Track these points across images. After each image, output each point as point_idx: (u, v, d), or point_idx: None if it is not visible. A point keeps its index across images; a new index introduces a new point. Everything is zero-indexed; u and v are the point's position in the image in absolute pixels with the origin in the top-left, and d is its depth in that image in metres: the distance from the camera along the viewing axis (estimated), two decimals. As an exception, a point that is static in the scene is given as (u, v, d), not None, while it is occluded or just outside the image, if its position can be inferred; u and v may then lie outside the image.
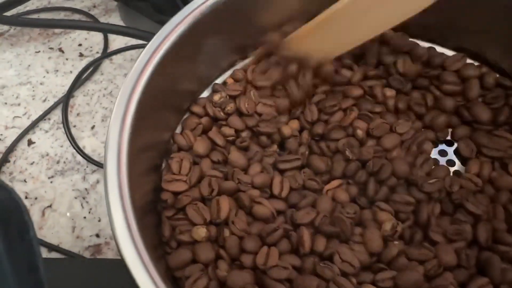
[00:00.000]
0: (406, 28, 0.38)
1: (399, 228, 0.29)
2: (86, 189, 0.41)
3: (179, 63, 0.33)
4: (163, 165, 0.34)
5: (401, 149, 0.34)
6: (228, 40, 0.36)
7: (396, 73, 0.37)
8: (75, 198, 0.40)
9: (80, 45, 0.50)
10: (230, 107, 0.35)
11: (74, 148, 0.42)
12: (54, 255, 0.38)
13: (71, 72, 0.48)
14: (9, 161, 0.43)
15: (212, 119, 0.35)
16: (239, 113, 0.35)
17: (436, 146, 0.35)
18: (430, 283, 0.28)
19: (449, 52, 0.38)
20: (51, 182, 0.41)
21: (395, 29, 0.38)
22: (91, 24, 0.50)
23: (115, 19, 0.52)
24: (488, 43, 0.37)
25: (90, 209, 0.40)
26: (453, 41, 0.38)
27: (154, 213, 0.32)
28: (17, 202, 0.19)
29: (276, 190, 0.31)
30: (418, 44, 0.38)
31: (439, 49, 0.38)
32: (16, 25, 0.51)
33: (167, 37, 0.31)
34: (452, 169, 0.35)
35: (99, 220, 0.39)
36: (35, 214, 0.40)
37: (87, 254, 0.38)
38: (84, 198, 0.40)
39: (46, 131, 0.44)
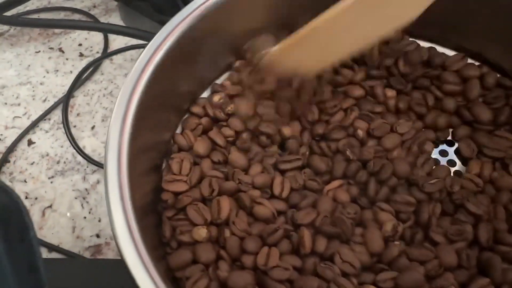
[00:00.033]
0: (407, 28, 0.38)
1: (400, 228, 0.29)
2: (86, 189, 0.41)
3: (180, 63, 0.33)
4: (164, 165, 0.34)
5: (402, 149, 0.34)
6: (229, 40, 0.36)
7: (396, 73, 0.37)
8: (75, 198, 0.40)
9: (80, 45, 0.50)
10: (230, 107, 0.35)
11: (74, 148, 0.42)
12: (54, 255, 0.38)
13: (71, 72, 0.48)
14: (9, 161, 0.43)
15: (212, 119, 0.35)
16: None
17: (436, 146, 0.35)
18: (431, 283, 0.28)
19: (450, 52, 0.38)
20: (51, 182, 0.41)
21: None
22: (91, 24, 0.50)
23: (115, 19, 0.52)
24: (489, 43, 0.37)
25: (90, 209, 0.40)
26: (454, 41, 0.38)
27: (154, 213, 0.32)
28: (17, 203, 0.19)
29: (276, 191, 0.31)
30: (418, 44, 0.38)
31: (439, 49, 0.38)
32: (16, 25, 0.51)
33: (168, 37, 0.31)
34: (452, 169, 0.34)
35: (99, 220, 0.39)
36: (35, 214, 0.40)
37: (87, 254, 0.38)
38: (84, 198, 0.40)
39: (46, 131, 0.44)
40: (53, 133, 0.44)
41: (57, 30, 0.51)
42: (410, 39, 0.38)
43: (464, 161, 0.35)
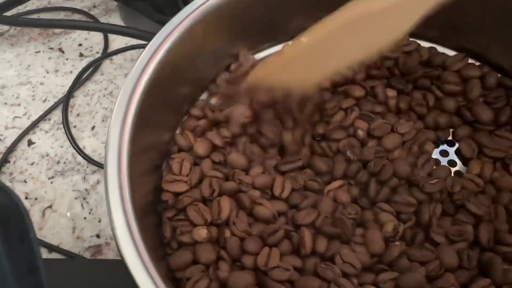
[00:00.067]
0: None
1: (401, 229, 0.29)
2: (86, 189, 0.41)
3: (180, 63, 0.33)
4: (164, 165, 0.34)
5: (402, 149, 0.34)
6: (229, 40, 0.36)
7: (397, 73, 0.37)
8: (76, 198, 0.40)
9: (80, 45, 0.50)
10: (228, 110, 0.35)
11: (74, 149, 0.42)
12: (54, 255, 0.38)
13: (71, 72, 0.48)
14: (9, 162, 0.43)
15: (212, 120, 0.35)
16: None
17: (437, 146, 0.35)
18: (432, 284, 0.28)
19: (450, 52, 0.38)
20: (51, 182, 0.41)
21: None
22: (91, 24, 0.50)
23: (115, 19, 0.52)
24: (490, 43, 0.37)
25: (91, 209, 0.40)
26: (454, 41, 0.38)
27: (154, 213, 0.32)
28: (17, 204, 0.19)
29: (277, 191, 0.31)
30: (419, 44, 0.38)
31: (440, 49, 0.38)
32: (16, 25, 0.51)
33: (168, 37, 0.31)
34: (453, 169, 0.34)
35: (100, 221, 0.39)
36: (35, 215, 0.40)
37: (87, 255, 0.38)
38: (84, 198, 0.40)
39: (46, 132, 0.44)
40: (53, 133, 0.44)
41: (57, 30, 0.51)
42: (411, 39, 0.38)
43: (465, 161, 0.34)
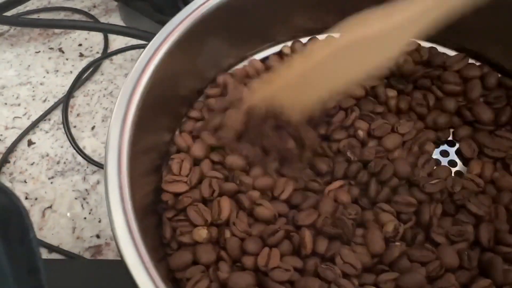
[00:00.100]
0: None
1: (401, 229, 0.29)
2: (86, 189, 0.41)
3: (180, 63, 0.33)
4: (164, 166, 0.34)
5: (403, 149, 0.34)
6: (229, 40, 0.36)
7: (397, 73, 0.37)
8: (76, 198, 0.40)
9: (80, 45, 0.50)
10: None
11: (74, 149, 0.42)
12: (54, 256, 0.38)
13: (71, 72, 0.48)
14: (9, 162, 0.43)
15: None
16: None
17: (437, 146, 0.35)
18: (432, 284, 0.28)
19: (451, 52, 0.38)
20: (51, 182, 0.41)
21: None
22: (91, 24, 0.50)
23: (115, 19, 0.52)
24: (490, 43, 0.37)
25: (91, 209, 0.40)
26: (455, 41, 0.38)
27: (155, 214, 0.32)
28: (17, 205, 0.19)
29: (277, 192, 0.31)
30: (419, 44, 0.38)
31: (440, 49, 0.38)
32: (16, 25, 0.51)
33: (168, 37, 0.31)
34: (453, 169, 0.34)
35: (100, 221, 0.39)
36: (35, 215, 0.40)
37: (87, 255, 0.38)
38: (84, 198, 0.40)
39: (46, 132, 0.44)
40: (53, 133, 0.44)
41: (57, 30, 0.51)
42: (411, 39, 0.38)
43: (465, 161, 0.34)
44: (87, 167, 0.42)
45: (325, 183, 0.32)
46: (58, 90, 0.47)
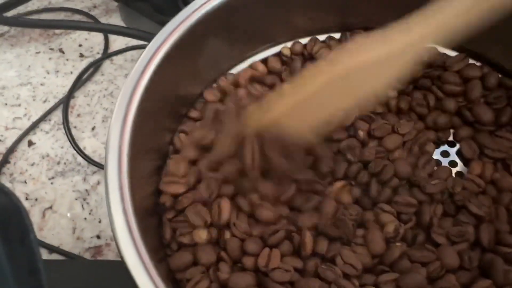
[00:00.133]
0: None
1: (402, 230, 0.29)
2: (86, 190, 0.41)
3: (180, 64, 0.33)
4: (164, 166, 0.34)
5: (403, 150, 0.34)
6: (229, 41, 0.36)
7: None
8: (76, 199, 0.40)
9: (80, 45, 0.50)
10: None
11: (75, 149, 0.42)
12: (55, 256, 0.38)
13: (71, 72, 0.48)
14: (9, 162, 0.43)
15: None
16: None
17: (438, 147, 0.35)
18: (433, 285, 0.28)
19: (451, 52, 0.38)
20: (52, 183, 0.41)
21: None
22: (92, 24, 0.50)
23: (116, 20, 0.52)
24: (490, 43, 0.37)
25: (91, 210, 0.40)
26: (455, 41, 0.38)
27: (155, 214, 0.31)
28: (17, 205, 0.19)
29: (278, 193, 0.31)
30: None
31: (440, 49, 0.38)
32: (16, 26, 0.51)
33: (168, 38, 0.31)
34: (454, 170, 0.34)
35: (100, 222, 0.39)
36: (35, 215, 0.40)
37: (87, 256, 0.38)
38: (84, 199, 0.40)
39: (47, 132, 0.44)
40: (54, 134, 0.44)
41: (57, 31, 0.51)
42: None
43: (466, 162, 0.34)
44: (88, 168, 0.42)
45: (326, 184, 0.32)
46: (59, 90, 0.47)
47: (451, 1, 0.25)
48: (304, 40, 0.39)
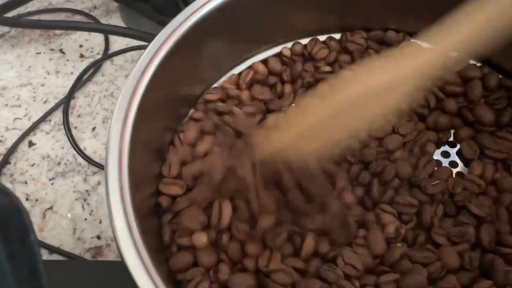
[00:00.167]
0: (408, 29, 0.38)
1: (403, 230, 0.29)
2: (87, 190, 0.41)
3: (181, 64, 0.33)
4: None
5: (404, 150, 0.34)
6: (230, 41, 0.36)
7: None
8: (76, 199, 0.40)
9: (81, 46, 0.50)
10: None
11: (75, 150, 0.42)
12: (55, 257, 0.38)
13: (72, 73, 0.48)
14: (9, 163, 0.43)
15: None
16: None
17: (438, 147, 0.35)
18: (434, 285, 0.28)
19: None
20: (52, 183, 0.41)
21: (397, 30, 0.38)
22: (92, 25, 0.50)
23: (116, 20, 0.52)
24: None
25: (91, 211, 0.40)
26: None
27: (155, 215, 0.31)
28: (17, 206, 0.19)
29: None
30: (420, 45, 0.38)
31: (441, 49, 0.38)
32: (17, 27, 0.51)
33: (169, 38, 0.31)
34: (454, 170, 0.34)
35: (100, 222, 0.39)
36: (35, 216, 0.40)
37: (88, 256, 0.38)
38: (85, 200, 0.40)
39: (47, 133, 0.44)
40: (54, 134, 0.44)
41: (58, 31, 0.51)
42: (412, 40, 0.38)
43: (466, 162, 0.34)
44: (88, 168, 0.42)
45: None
46: (59, 91, 0.47)
47: (464, 20, 0.24)
48: (304, 41, 0.39)
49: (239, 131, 0.33)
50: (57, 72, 0.48)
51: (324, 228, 0.29)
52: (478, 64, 0.37)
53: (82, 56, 0.49)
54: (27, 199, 0.41)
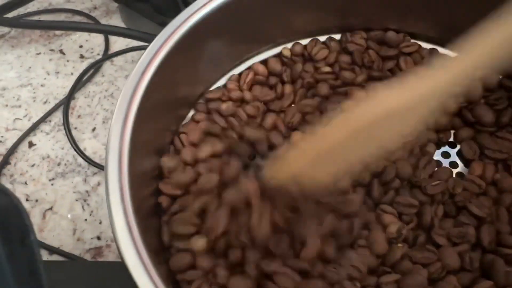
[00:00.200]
0: (408, 29, 0.38)
1: (405, 231, 0.29)
2: (87, 191, 0.41)
3: (181, 65, 0.33)
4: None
5: (404, 150, 0.34)
6: (230, 42, 0.36)
7: (399, 74, 0.37)
8: (76, 200, 0.40)
9: (81, 46, 0.50)
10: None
11: (75, 150, 0.42)
12: (55, 257, 0.38)
13: (72, 73, 0.48)
14: (9, 163, 0.43)
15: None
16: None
17: (438, 148, 0.35)
18: (434, 286, 0.28)
19: (452, 53, 0.38)
20: (52, 184, 0.41)
21: (397, 30, 0.38)
22: (92, 25, 0.50)
23: (116, 21, 0.52)
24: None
25: (91, 211, 0.40)
26: (455, 42, 0.38)
27: (155, 215, 0.31)
28: (17, 206, 0.19)
29: None
30: (420, 46, 0.38)
31: (441, 50, 0.38)
32: (17, 27, 0.51)
33: (169, 39, 0.31)
34: (455, 171, 0.34)
35: (100, 223, 0.39)
36: (35, 217, 0.40)
37: (88, 257, 0.38)
38: (85, 200, 0.40)
39: (47, 133, 0.44)
40: (54, 135, 0.44)
41: (58, 32, 0.51)
42: (412, 40, 0.38)
43: (466, 162, 0.34)
44: (88, 169, 0.42)
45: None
46: (59, 91, 0.47)
47: (493, 33, 0.23)
48: (304, 41, 0.39)
49: (243, 136, 0.33)
50: (57, 72, 0.48)
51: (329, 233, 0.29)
52: (478, 65, 0.37)
53: (82, 56, 0.49)
54: (27, 200, 0.41)
